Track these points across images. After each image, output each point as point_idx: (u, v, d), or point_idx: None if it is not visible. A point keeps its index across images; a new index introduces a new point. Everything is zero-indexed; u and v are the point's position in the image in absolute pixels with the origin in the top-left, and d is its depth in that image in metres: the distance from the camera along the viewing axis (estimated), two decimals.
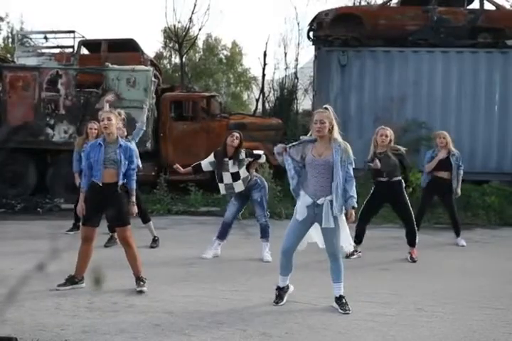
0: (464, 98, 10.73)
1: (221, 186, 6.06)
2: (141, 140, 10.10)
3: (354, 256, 6.13)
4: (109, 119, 4.70)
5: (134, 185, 4.89)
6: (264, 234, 6.13)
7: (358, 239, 6.26)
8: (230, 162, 5.95)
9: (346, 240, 4.38)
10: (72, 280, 4.71)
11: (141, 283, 4.67)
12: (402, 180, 6.13)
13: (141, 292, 4.57)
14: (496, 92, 10.71)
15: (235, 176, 5.96)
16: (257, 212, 6.15)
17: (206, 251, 6.14)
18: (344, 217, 4.25)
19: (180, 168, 6.07)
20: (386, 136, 6.01)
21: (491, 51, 10.72)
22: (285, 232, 4.38)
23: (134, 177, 4.88)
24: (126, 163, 4.73)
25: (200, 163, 6.15)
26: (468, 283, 5.17)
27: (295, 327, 3.82)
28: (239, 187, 6.01)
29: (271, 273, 5.26)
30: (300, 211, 4.24)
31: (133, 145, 6.50)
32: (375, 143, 6.09)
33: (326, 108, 4.29)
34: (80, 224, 4.94)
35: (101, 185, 4.66)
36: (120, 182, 4.72)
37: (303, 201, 4.23)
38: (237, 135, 6.00)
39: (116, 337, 3.57)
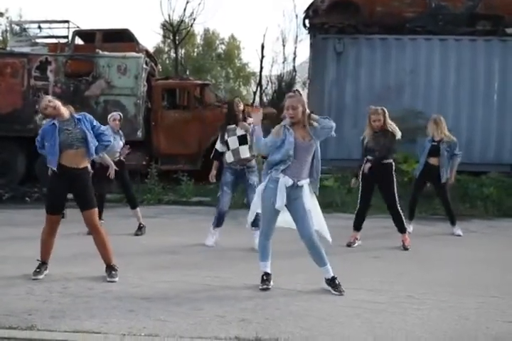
0: (462, 87, 10.51)
1: (228, 154, 5.79)
2: (132, 129, 10.03)
3: (355, 245, 6.02)
4: (50, 101, 4.35)
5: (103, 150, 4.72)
6: (258, 221, 5.87)
7: (357, 225, 6.14)
8: (238, 128, 5.76)
9: (323, 227, 4.27)
10: (44, 266, 4.50)
11: (113, 272, 4.39)
12: (393, 163, 6.03)
13: (112, 282, 4.30)
14: (494, 81, 10.49)
15: (242, 139, 5.73)
16: (252, 197, 5.82)
17: (207, 239, 5.89)
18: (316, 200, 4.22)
19: (213, 176, 5.92)
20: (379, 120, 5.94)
21: (489, 39, 10.52)
22: (262, 217, 4.32)
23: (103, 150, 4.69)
24: (94, 134, 4.43)
25: (215, 149, 5.92)
26: (462, 272, 4.97)
27: (276, 313, 3.62)
28: (244, 152, 5.75)
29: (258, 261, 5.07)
30: (280, 195, 4.07)
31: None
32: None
33: (296, 91, 4.20)
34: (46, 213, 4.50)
35: (68, 167, 4.33)
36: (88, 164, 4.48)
37: (282, 182, 4.06)
38: (239, 99, 6.00)
39: (86, 323, 3.37)
